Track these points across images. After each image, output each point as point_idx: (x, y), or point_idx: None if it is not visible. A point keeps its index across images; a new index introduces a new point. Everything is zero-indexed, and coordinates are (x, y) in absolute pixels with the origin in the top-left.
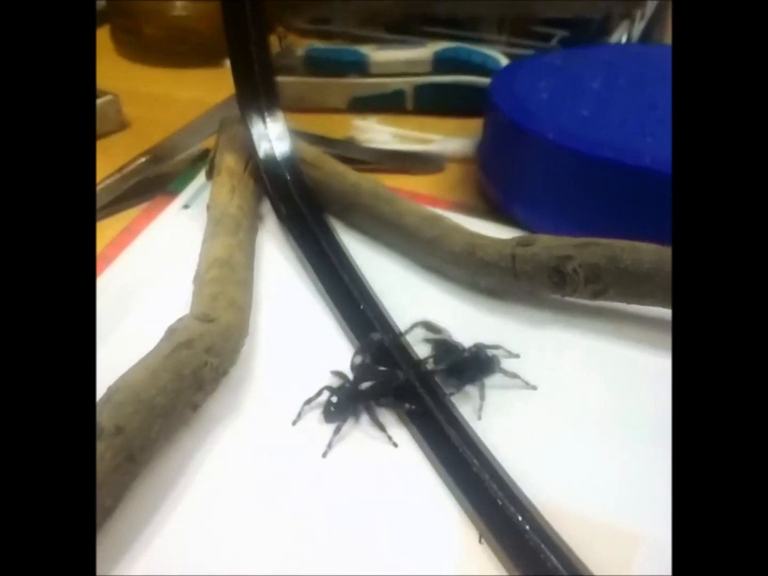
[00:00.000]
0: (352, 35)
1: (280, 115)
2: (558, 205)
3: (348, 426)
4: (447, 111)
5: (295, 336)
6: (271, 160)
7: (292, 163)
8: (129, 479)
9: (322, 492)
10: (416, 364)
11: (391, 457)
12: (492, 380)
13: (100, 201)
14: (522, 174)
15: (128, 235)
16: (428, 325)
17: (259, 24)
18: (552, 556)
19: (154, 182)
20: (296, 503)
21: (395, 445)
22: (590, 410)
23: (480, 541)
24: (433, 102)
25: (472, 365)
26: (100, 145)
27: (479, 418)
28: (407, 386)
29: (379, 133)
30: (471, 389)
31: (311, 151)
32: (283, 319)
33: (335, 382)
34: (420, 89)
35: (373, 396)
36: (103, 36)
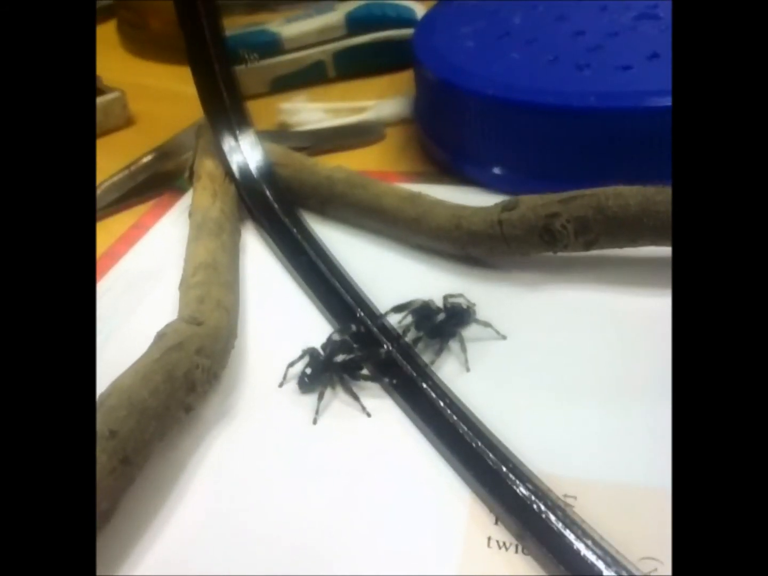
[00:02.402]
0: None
1: (250, 126)
2: (509, 159)
3: (341, 408)
4: (373, 72)
5: (284, 335)
6: (245, 172)
7: (266, 170)
8: (125, 482)
9: (319, 488)
10: (397, 337)
11: (386, 433)
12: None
13: (108, 197)
14: (464, 131)
15: (136, 231)
16: (400, 307)
17: (219, 40)
18: (551, 513)
19: (162, 179)
20: (294, 500)
21: (368, 415)
22: (593, 366)
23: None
24: (356, 66)
25: (450, 321)
26: (106, 141)
27: (468, 369)
28: (388, 361)
29: (309, 112)
30: (451, 344)
31: (279, 151)
32: (270, 319)
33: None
34: (339, 56)
35: (347, 368)
36: (109, 31)
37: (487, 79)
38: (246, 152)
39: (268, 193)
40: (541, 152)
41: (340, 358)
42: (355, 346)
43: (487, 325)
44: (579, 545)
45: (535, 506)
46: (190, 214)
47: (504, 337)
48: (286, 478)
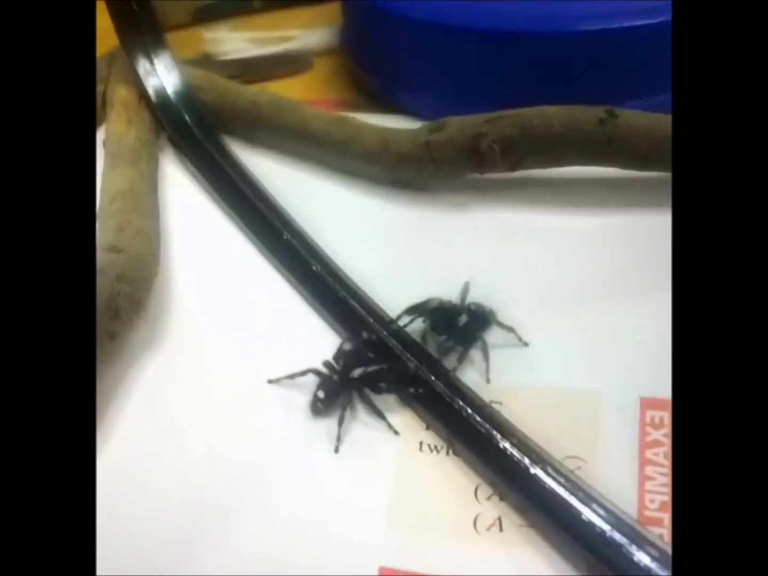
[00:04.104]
0: None
1: (166, 49)
2: (439, 84)
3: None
4: (299, 2)
5: (210, 263)
6: (162, 96)
7: (185, 94)
8: None
9: (252, 420)
10: (416, 344)
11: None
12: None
13: None
14: (394, 57)
15: None
16: (413, 308)
17: None
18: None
19: None
20: (223, 430)
21: (396, 433)
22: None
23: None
24: None
25: (473, 325)
26: None
27: (488, 381)
28: (409, 370)
29: (233, 41)
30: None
31: (201, 75)
32: (195, 247)
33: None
34: None
35: (367, 383)
36: None
37: (415, 3)
38: (162, 76)
39: (187, 117)
40: (470, 76)
41: (357, 372)
42: (371, 355)
43: (510, 329)
44: (504, 444)
45: (462, 411)
46: (104, 143)
47: (526, 344)
48: (216, 404)
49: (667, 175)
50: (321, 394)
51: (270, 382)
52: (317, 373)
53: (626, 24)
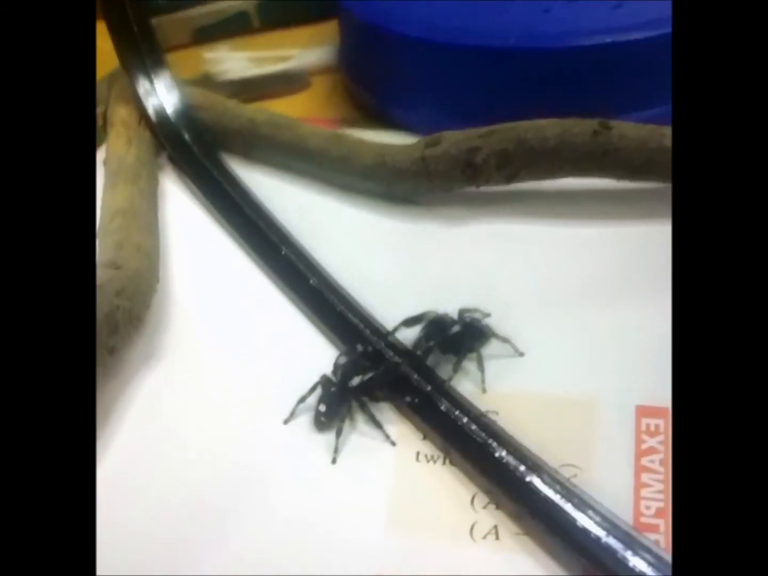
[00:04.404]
0: None
1: (165, 69)
2: (434, 100)
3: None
4: (298, 22)
5: (209, 278)
6: (161, 116)
7: (184, 113)
8: None
9: (250, 430)
10: (409, 352)
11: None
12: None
13: None
14: (389, 74)
15: None
16: (411, 320)
17: None
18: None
19: None
20: (221, 443)
21: (393, 443)
22: (514, 291)
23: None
24: (280, 16)
25: (466, 335)
26: None
27: (483, 391)
28: (404, 378)
29: (233, 61)
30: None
31: (200, 94)
32: (195, 263)
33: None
34: (263, 6)
35: (366, 391)
36: None
37: (410, 21)
38: (162, 95)
39: (186, 136)
40: (465, 92)
41: (355, 381)
42: (366, 364)
43: (505, 341)
44: (501, 453)
45: (458, 421)
46: (105, 162)
47: (522, 354)
48: (215, 421)
49: (661, 186)
50: (323, 408)
51: (286, 422)
52: (315, 387)
53: (617, 39)
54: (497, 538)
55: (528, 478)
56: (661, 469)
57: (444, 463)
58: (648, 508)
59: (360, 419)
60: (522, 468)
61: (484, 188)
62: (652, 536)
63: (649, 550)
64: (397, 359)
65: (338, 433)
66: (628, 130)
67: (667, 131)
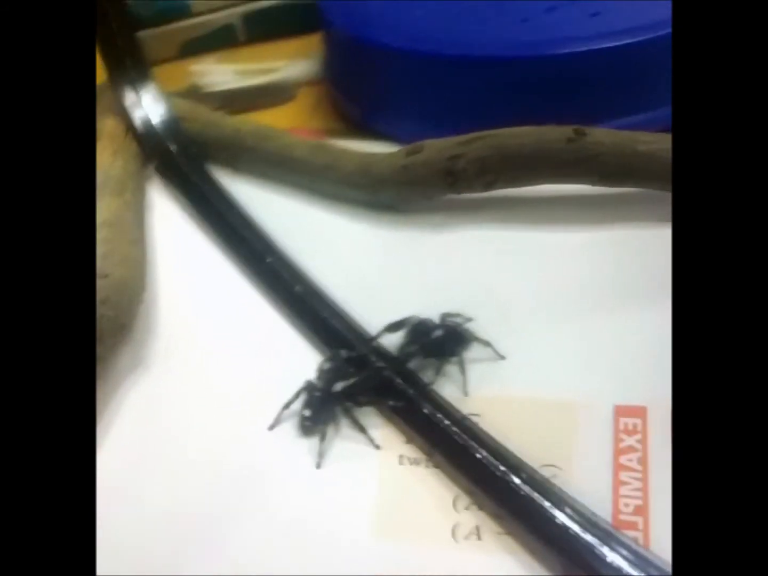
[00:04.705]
0: None
1: (151, 82)
2: (417, 109)
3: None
4: (283, 35)
5: (196, 288)
6: (148, 127)
7: (170, 125)
8: None
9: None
10: (392, 357)
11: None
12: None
13: None
14: (374, 85)
15: None
16: (393, 325)
17: None
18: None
19: None
20: (209, 451)
21: (377, 447)
22: (496, 296)
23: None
24: (266, 28)
25: (449, 341)
26: None
27: (465, 394)
28: (388, 382)
29: (219, 74)
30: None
31: (185, 106)
32: (182, 274)
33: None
34: (248, 19)
35: (350, 396)
36: None
37: (392, 33)
38: (148, 107)
39: (172, 147)
40: (447, 102)
41: (339, 386)
42: (350, 370)
43: (487, 344)
44: (482, 455)
45: (440, 423)
46: None
47: (503, 358)
48: (200, 428)
49: (638, 191)
50: (307, 413)
51: (271, 428)
52: (300, 393)
53: (595, 47)
54: (479, 538)
55: (508, 478)
56: (639, 468)
57: (427, 465)
58: (627, 505)
59: (344, 424)
60: (503, 469)
61: (465, 195)
62: (631, 533)
63: (627, 547)
64: (380, 364)
65: (322, 438)
66: (602, 136)
67: (642, 137)
